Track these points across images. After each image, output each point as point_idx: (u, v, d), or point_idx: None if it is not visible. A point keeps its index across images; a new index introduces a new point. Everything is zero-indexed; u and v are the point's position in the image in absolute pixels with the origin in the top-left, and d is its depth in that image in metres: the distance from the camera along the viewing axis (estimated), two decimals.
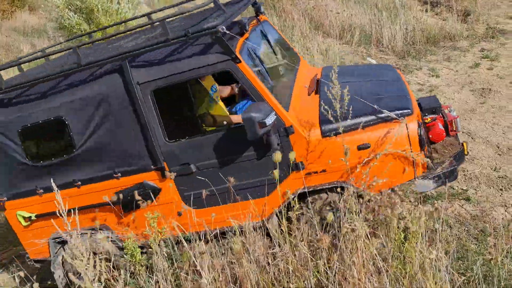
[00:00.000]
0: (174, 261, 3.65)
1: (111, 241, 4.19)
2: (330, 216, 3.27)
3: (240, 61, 3.53)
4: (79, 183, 4.11)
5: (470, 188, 5.23)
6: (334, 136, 3.59)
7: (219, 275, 3.30)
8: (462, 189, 5.22)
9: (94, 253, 3.33)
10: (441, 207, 3.36)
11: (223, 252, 3.63)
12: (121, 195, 3.97)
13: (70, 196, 4.05)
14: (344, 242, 3.23)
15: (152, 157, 3.86)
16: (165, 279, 3.52)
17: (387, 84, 4.25)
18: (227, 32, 3.45)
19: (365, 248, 3.14)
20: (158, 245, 3.58)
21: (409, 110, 3.65)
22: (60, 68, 3.87)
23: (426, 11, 12.33)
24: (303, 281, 3.22)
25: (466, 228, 4.46)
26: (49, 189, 4.09)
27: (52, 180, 3.58)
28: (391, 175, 3.55)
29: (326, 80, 3.68)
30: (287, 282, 3.25)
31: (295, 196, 3.68)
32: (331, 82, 3.30)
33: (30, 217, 4.32)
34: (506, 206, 4.83)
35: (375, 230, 3.43)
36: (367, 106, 3.64)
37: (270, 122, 3.39)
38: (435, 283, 3.03)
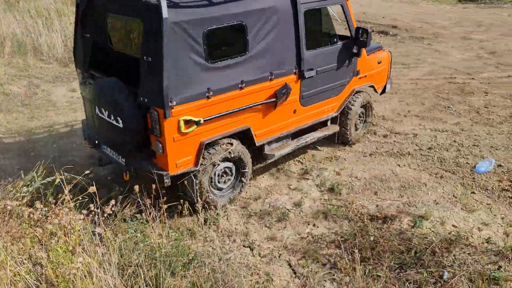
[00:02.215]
0: None
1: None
2: None
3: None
4: (243, 84, 4.50)
5: None
6: (370, 55, 5.99)
7: None
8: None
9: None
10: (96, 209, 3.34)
11: None
12: (277, 93, 4.79)
13: (233, 98, 4.47)
14: None
15: (297, 62, 4.94)
16: None
17: None
18: None
19: None
20: None
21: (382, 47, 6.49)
22: None
23: None
24: None
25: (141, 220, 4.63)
26: (218, 91, 4.32)
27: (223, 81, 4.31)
28: (380, 80, 6.32)
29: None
30: None
31: (354, 92, 5.88)
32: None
33: (198, 121, 4.24)
34: None
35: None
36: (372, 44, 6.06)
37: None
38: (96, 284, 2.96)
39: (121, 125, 4.25)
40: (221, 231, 4.48)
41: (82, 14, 4.78)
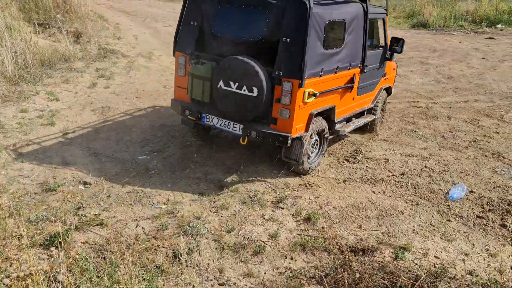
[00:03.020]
0: None
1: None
2: None
3: (387, 15, 6.92)
4: (337, 69, 5.69)
5: (102, 211, 5.02)
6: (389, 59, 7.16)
7: None
8: (94, 214, 4.95)
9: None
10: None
11: None
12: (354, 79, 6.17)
13: (331, 79, 5.64)
14: None
15: (362, 58, 6.22)
16: None
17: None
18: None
19: None
20: None
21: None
22: None
23: (38, 33, 11.63)
24: None
25: (103, 256, 4.19)
26: (326, 72, 5.46)
27: (329, 65, 5.55)
28: (393, 82, 7.76)
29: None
30: None
31: (382, 90, 7.33)
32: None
33: (316, 94, 5.25)
34: (137, 219, 4.88)
35: None
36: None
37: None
38: None
39: (255, 94, 5.12)
40: (193, 268, 4.13)
41: (191, 4, 5.78)
